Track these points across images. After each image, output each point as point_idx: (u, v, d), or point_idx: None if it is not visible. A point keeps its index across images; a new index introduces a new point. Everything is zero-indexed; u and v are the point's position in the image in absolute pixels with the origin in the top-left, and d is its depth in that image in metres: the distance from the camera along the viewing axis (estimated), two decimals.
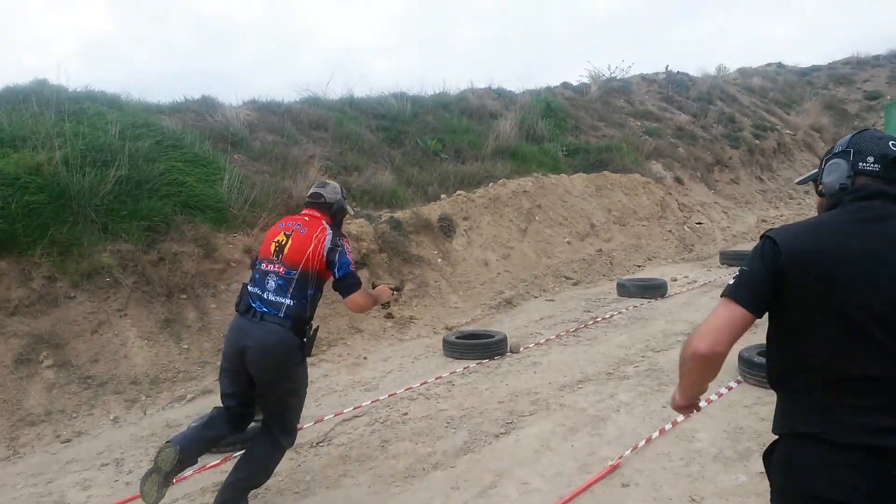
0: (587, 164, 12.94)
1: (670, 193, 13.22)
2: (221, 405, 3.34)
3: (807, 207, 16.22)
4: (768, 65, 29.28)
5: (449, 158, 11.25)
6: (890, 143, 1.70)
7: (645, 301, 8.18)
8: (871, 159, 1.69)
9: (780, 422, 1.72)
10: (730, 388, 4.82)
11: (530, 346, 6.46)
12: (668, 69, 20.19)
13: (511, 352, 6.24)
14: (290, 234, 3.37)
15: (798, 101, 24.18)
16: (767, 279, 1.65)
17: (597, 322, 7.25)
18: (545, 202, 10.63)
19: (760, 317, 1.69)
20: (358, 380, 5.63)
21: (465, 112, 13.05)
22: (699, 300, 8.10)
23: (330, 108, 11.39)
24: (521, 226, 9.95)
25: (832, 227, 1.66)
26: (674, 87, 19.14)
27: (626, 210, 11.71)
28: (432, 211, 9.25)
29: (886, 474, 1.48)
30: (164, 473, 3.05)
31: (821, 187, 1.80)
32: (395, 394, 5.16)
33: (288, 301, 3.24)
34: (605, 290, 8.97)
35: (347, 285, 3.32)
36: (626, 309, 7.77)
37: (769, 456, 1.76)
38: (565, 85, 17.56)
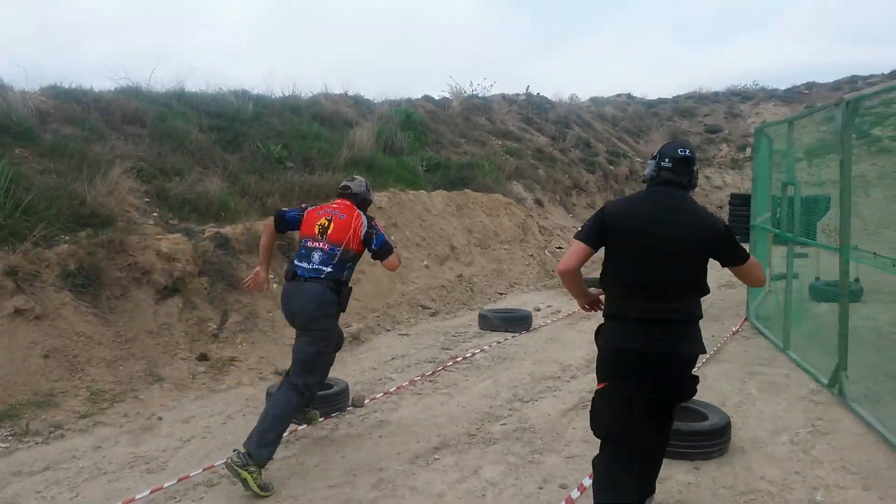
0: (448, 181, 12.12)
1: (531, 216, 12.71)
2: None
3: None
4: (618, 95, 30.51)
5: (295, 167, 9.92)
6: (679, 149, 2.94)
7: (509, 335, 7.34)
8: (667, 160, 2.91)
9: (605, 311, 3.00)
10: None
11: (378, 395, 5.31)
12: (529, 91, 20.11)
13: (353, 405, 5.06)
14: (331, 219, 4.17)
15: (646, 130, 25.21)
16: (597, 228, 2.91)
17: (457, 362, 6.25)
18: (402, 220, 9.59)
19: (596, 250, 2.93)
20: (142, 454, 4.16)
21: (317, 117, 11.77)
22: (566, 334, 7.38)
23: (151, 100, 9.66)
24: None
25: (636, 201, 2.98)
26: (533, 108, 19.01)
27: (488, 232, 10.97)
28: None
29: (651, 332, 2.79)
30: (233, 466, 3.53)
31: (643, 177, 3.05)
32: (187, 477, 3.78)
33: (328, 269, 4.06)
34: (465, 322, 8.05)
35: (384, 252, 4.21)
36: (490, 346, 6.86)
37: (598, 331, 3.04)
38: (427, 98, 16.77)
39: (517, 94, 19.94)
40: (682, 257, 2.79)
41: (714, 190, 23.86)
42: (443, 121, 15.71)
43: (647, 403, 2.83)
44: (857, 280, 9.38)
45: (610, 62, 77.04)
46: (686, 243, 2.78)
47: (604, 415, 2.91)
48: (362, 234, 4.16)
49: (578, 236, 2.90)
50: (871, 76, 28.23)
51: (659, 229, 2.78)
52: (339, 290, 4.09)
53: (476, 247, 10.49)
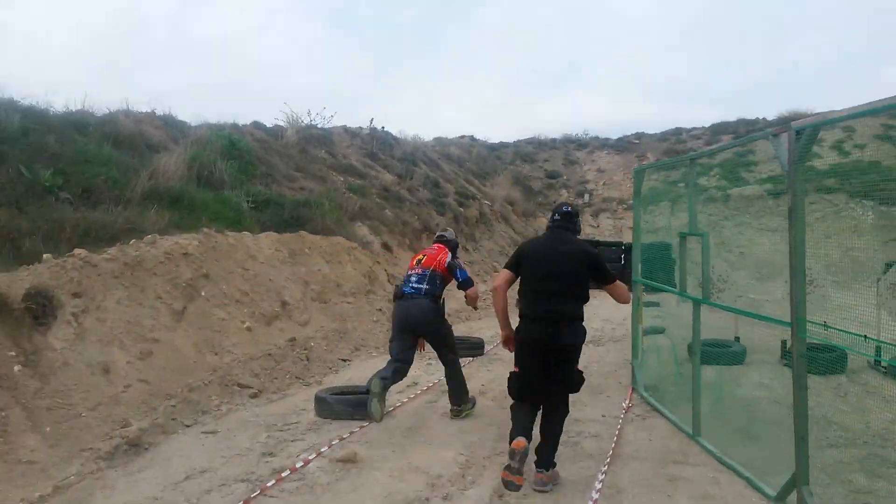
0: (280, 221, 10.19)
1: (379, 262, 11.08)
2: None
3: None
4: (462, 137, 30.15)
5: (72, 200, 7.56)
6: (564, 206, 4.63)
7: (356, 425, 5.55)
8: (557, 215, 4.58)
9: (520, 312, 4.41)
10: None
11: None
12: (373, 125, 18.70)
13: None
14: (425, 254, 6.20)
15: (491, 173, 24.78)
16: (515, 260, 4.52)
17: (281, 482, 4.36)
18: (217, 270, 7.52)
19: (517, 276, 4.49)
20: None
21: (110, 138, 9.35)
22: (431, 421, 5.75)
23: None
24: (175, 305, 6.67)
25: (540, 240, 4.63)
26: (378, 143, 17.58)
27: (329, 283, 9.16)
28: (17, 282, 5.56)
29: (546, 327, 4.22)
30: (379, 396, 5.48)
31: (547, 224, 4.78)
32: None
33: (425, 286, 5.85)
34: (298, 406, 6.15)
35: (465, 283, 5.97)
36: (329, 446, 5.03)
37: (517, 329, 4.44)
38: (256, 124, 14.71)
39: (360, 128, 18.43)
40: (568, 275, 4.36)
41: None
42: (275, 151, 13.73)
43: (545, 372, 4.37)
44: (737, 339, 8.74)
45: (448, 105, 78.57)
46: (571, 266, 4.38)
47: (518, 387, 4.46)
48: (445, 262, 5.98)
49: (506, 266, 4.67)
50: (694, 128, 30.21)
51: (553, 257, 4.41)
52: (436, 301, 5.95)
53: (313, 301, 8.63)
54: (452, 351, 5.99)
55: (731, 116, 30.07)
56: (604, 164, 28.74)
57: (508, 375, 4.49)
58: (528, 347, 4.35)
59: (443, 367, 6.05)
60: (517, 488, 4.12)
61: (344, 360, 7.75)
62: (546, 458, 4.33)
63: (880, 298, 7.22)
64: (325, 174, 14.00)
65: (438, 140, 27.41)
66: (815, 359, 6.66)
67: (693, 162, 6.10)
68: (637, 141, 30.37)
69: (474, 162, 25.18)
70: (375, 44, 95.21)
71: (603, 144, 30.61)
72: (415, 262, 6.09)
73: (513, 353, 4.54)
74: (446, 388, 6.06)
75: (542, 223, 23.98)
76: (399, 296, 5.93)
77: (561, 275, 4.28)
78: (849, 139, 25.21)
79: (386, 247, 12.05)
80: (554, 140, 31.29)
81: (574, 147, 30.67)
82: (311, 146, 15.40)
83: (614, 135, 31.42)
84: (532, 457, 4.26)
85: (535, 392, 4.36)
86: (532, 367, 4.34)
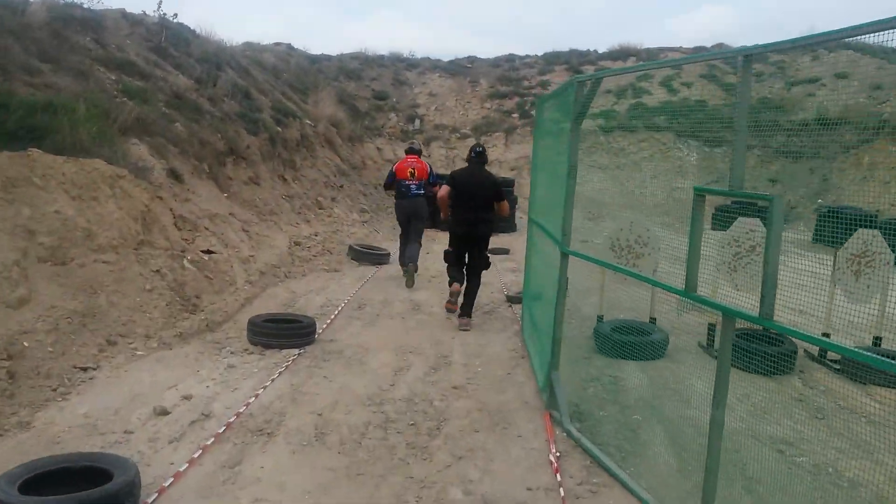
0: (2, 133, 6.63)
1: (161, 197, 7.89)
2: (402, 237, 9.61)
3: (338, 220, 12.95)
4: (277, 44, 26.08)
5: None
6: (478, 147, 7.66)
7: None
8: (474, 153, 7.54)
9: (451, 216, 7.49)
10: None
11: None
12: (163, 13, 14.48)
13: None
14: (415, 168, 9.34)
15: (312, 89, 21.39)
16: (451, 182, 7.48)
17: None
18: None
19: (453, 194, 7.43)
20: None
21: None
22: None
23: None
24: None
25: (465, 170, 7.57)
26: (170, 37, 13.60)
27: (72, 232, 5.93)
28: None
29: (469, 225, 7.32)
30: (412, 274, 9.10)
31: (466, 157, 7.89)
32: None
33: (420, 191, 9.34)
34: None
35: (436, 183, 8.99)
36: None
37: (451, 224, 7.58)
38: None
39: (144, 14, 14.17)
40: (484, 193, 7.25)
41: (385, 163, 21.31)
42: (14, 31, 9.59)
43: (465, 251, 7.43)
44: (653, 320, 7.02)
45: (257, 9, 70.89)
46: (485, 187, 7.28)
47: (452, 256, 7.44)
48: (428, 173, 9.49)
49: (446, 183, 7.49)
50: (527, 56, 28.81)
51: (473, 180, 7.31)
52: (426, 199, 9.41)
53: (44, 264, 5.44)
54: (420, 235, 9.67)
55: (563, 47, 29.03)
56: (435, 88, 26.45)
57: (444, 251, 7.64)
58: (457, 235, 7.47)
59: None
60: (454, 312, 7.45)
61: (84, 369, 4.76)
62: (467, 309, 7.36)
63: (837, 273, 5.73)
64: (87, 69, 10.11)
65: (249, 45, 23.27)
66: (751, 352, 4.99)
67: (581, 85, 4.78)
68: (470, 65, 28.35)
69: (293, 74, 21.58)
70: None
71: (434, 66, 28.20)
72: (409, 174, 9.32)
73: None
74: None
75: (370, 150, 21.29)
76: (401, 196, 9.37)
77: (478, 194, 7.28)
78: (677, 77, 25.21)
79: (174, 175, 8.79)
80: (382, 57, 28.26)
81: (404, 67, 27.92)
82: (70, 30, 11.20)
83: (445, 58, 29.03)
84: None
85: (461, 260, 7.51)
86: (459, 247, 7.48)
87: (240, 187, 10.61)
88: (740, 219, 3.67)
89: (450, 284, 7.51)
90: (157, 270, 6.55)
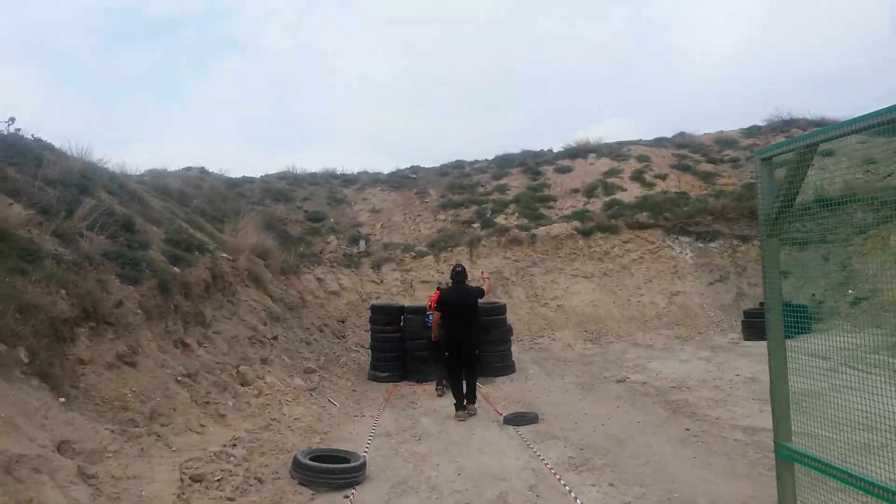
0: None
1: None
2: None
3: (271, 400, 8.55)
4: (188, 168, 22.23)
5: None
6: (457, 267, 10.08)
7: None
8: (455, 272, 9.92)
9: (443, 329, 9.80)
10: None
11: None
12: (6, 121, 10.34)
13: None
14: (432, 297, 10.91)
15: (232, 215, 17.41)
16: (441, 306, 9.69)
17: None
18: None
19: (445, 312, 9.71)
20: None
21: None
22: None
23: None
24: None
25: (451, 288, 9.88)
26: (9, 151, 9.43)
27: None
28: None
29: (459, 334, 9.51)
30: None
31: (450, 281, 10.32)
32: None
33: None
34: None
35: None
36: None
37: (444, 335, 9.80)
38: None
39: None
40: (468, 308, 9.46)
41: (329, 297, 17.15)
42: None
43: (461, 355, 9.45)
44: None
45: (177, 143, 67.63)
46: (469, 301, 9.51)
47: (450, 361, 9.57)
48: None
49: (437, 309, 9.79)
50: (476, 161, 25.88)
51: (458, 298, 9.51)
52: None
53: None
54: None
55: (515, 149, 26.32)
56: (378, 203, 22.90)
57: (443, 356, 9.86)
58: (453, 343, 9.47)
59: None
60: (464, 419, 9.04)
61: None
62: (471, 398, 9.42)
63: None
64: None
65: (153, 172, 19.32)
66: None
67: None
68: (414, 175, 25.12)
69: (205, 199, 17.61)
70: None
71: (374, 180, 24.82)
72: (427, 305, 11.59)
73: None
74: None
75: (309, 282, 17.17)
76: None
77: (466, 307, 9.44)
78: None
79: None
80: (313, 174, 24.74)
81: (340, 183, 24.42)
82: None
83: (384, 171, 25.76)
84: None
85: (459, 362, 9.51)
86: (454, 351, 9.47)
87: (98, 377, 6.20)
88: None
89: (456, 409, 9.33)
90: None
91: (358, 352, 14.57)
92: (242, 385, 8.34)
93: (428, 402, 10.61)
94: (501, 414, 9.05)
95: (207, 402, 7.20)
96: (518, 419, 8.68)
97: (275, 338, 11.31)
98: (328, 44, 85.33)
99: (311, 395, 9.48)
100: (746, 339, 15.39)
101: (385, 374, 12.14)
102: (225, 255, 12.72)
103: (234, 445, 6.30)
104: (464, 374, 9.48)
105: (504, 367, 12.12)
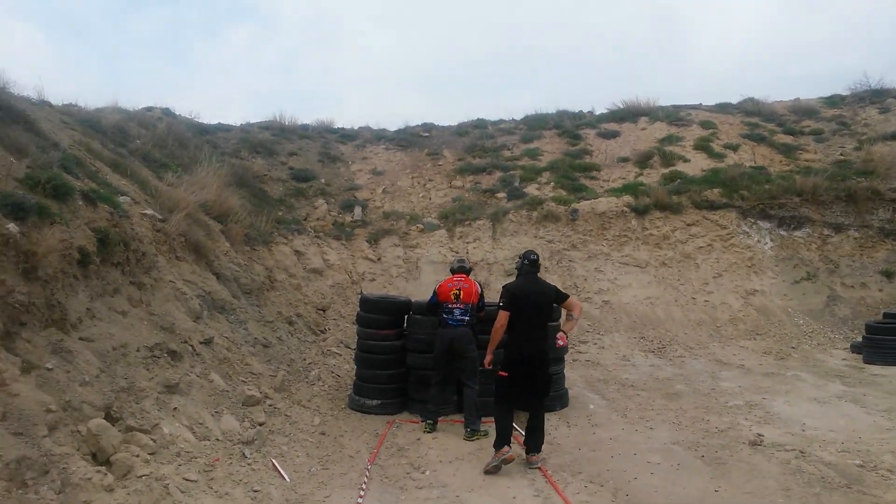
0: None
1: None
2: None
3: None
4: (149, 108, 18.02)
5: None
6: (531, 254, 6.73)
7: None
8: (527, 261, 6.70)
9: (510, 335, 6.55)
10: None
11: None
12: None
13: None
14: (460, 288, 7.62)
15: (190, 163, 13.27)
16: (509, 300, 6.49)
17: None
18: None
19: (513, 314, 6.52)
20: None
21: None
22: None
23: None
24: None
25: (521, 282, 6.74)
26: None
27: None
28: None
29: (530, 343, 6.45)
30: (478, 435, 7.30)
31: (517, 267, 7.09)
32: None
33: (467, 318, 7.56)
34: None
35: (485, 310, 7.69)
36: None
37: (506, 345, 6.65)
38: None
39: None
40: (544, 305, 6.68)
41: (309, 276, 13.08)
42: None
43: (527, 383, 6.41)
44: None
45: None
46: (544, 298, 6.65)
47: (505, 391, 6.47)
48: (478, 297, 7.76)
49: (502, 308, 6.53)
50: (501, 120, 21.65)
51: (531, 294, 6.58)
52: (473, 329, 7.61)
53: None
54: (474, 375, 7.44)
55: (549, 108, 21.94)
56: (381, 164, 18.71)
57: (497, 378, 6.62)
58: (518, 359, 6.52)
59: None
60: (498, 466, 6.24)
61: None
62: (539, 444, 6.54)
63: None
64: None
65: (101, 110, 15.13)
66: None
67: None
68: (427, 134, 20.87)
69: (155, 142, 13.46)
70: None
71: (378, 137, 20.62)
72: (453, 297, 7.61)
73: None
74: None
75: (284, 256, 13.07)
76: (443, 326, 7.62)
77: (539, 305, 6.66)
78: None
79: None
80: (305, 126, 20.53)
81: (336, 139, 20.23)
82: None
83: (391, 128, 21.51)
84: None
85: (517, 395, 6.52)
86: (520, 370, 6.46)
87: None
88: None
89: (496, 446, 6.28)
90: None
91: (340, 355, 10.54)
92: (95, 456, 4.29)
93: (446, 458, 6.58)
94: None
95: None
96: None
97: (207, 342, 7.27)
98: (343, 14, 79.99)
99: (244, 456, 5.45)
100: (867, 361, 11.36)
101: (375, 403, 8.04)
102: (151, 211, 8.65)
103: None
104: (523, 405, 6.66)
105: (554, 397, 8.06)
